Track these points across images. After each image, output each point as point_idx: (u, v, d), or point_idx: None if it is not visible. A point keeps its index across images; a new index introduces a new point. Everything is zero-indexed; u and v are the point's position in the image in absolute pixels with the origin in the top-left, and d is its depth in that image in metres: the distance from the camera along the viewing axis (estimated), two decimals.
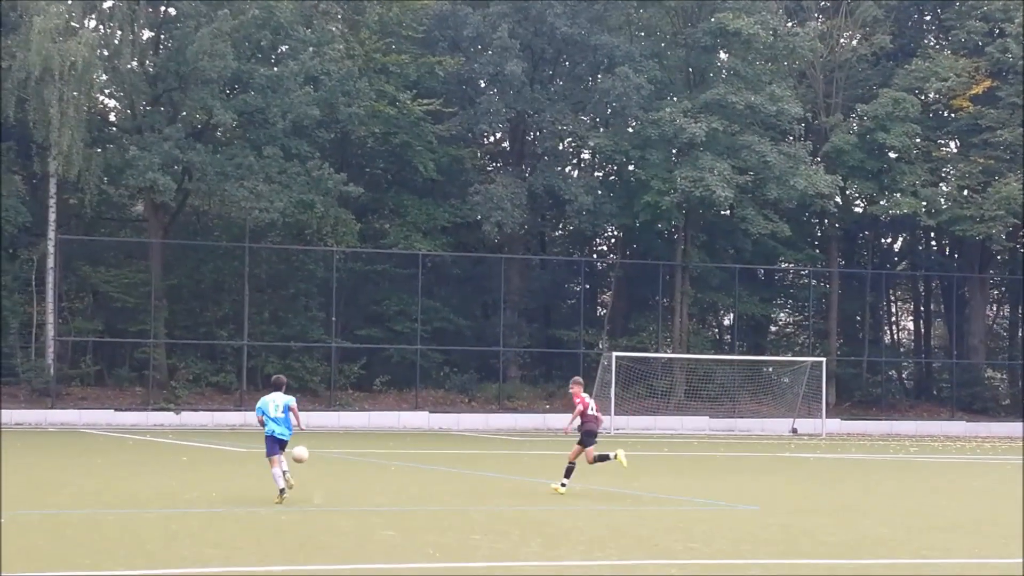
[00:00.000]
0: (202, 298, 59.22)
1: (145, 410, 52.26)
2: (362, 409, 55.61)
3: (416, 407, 56.19)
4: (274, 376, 24.45)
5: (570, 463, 24.81)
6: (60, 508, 20.65)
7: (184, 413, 52.39)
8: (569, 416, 25.44)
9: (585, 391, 25.08)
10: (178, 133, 53.81)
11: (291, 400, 23.17)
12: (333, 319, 57.49)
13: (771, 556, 16.35)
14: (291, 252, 59.08)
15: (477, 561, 15.12)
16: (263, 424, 22.81)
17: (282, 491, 21.85)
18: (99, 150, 55.36)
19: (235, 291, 57.60)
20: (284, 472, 22.21)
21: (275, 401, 22.88)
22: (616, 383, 54.00)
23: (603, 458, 24.75)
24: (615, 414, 53.33)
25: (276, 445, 22.46)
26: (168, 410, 52.48)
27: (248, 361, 55.97)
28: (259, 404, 23.19)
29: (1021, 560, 16.32)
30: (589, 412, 24.69)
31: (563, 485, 24.58)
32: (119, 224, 62.37)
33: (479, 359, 61.59)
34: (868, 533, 19.24)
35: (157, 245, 56.24)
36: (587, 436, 24.63)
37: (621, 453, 24.71)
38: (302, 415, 23.66)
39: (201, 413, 52.75)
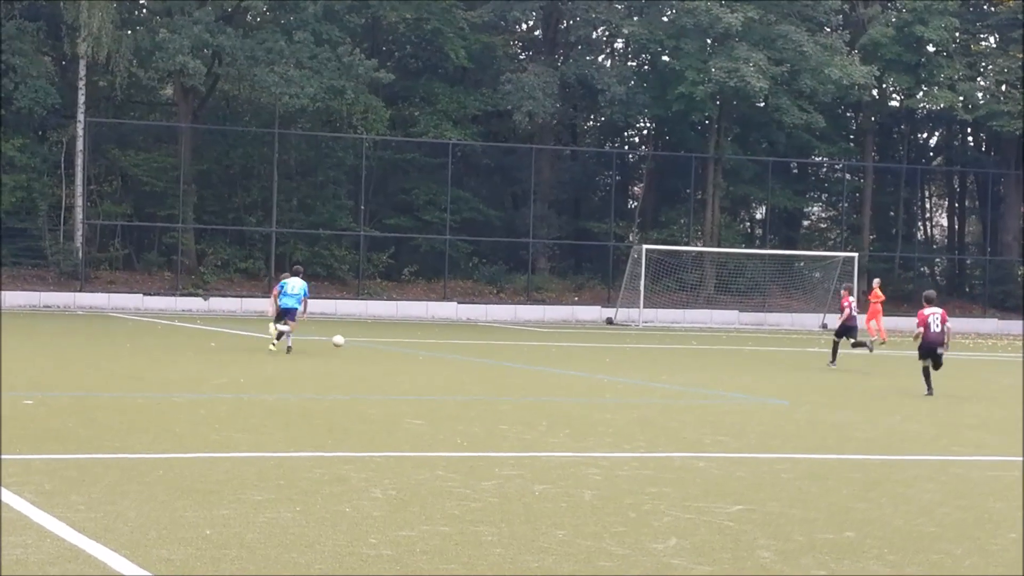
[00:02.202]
0: (231, 184, 59.14)
1: (173, 295, 52.41)
2: (390, 298, 55.65)
3: (444, 297, 56.20)
4: (295, 265, 32.48)
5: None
6: (89, 391, 20.69)
7: (212, 299, 52.52)
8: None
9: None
10: (208, 16, 53.42)
11: (306, 287, 30.03)
12: (362, 207, 57.38)
13: (799, 451, 16.27)
14: (320, 139, 58.83)
15: (504, 451, 15.08)
16: (277, 297, 29.59)
17: (278, 336, 29.27)
18: (129, 32, 54.98)
19: (264, 177, 57.47)
20: (285, 333, 29.24)
21: (294, 284, 29.65)
22: (646, 276, 53.84)
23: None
24: (644, 307, 53.27)
25: (287, 314, 29.48)
26: (196, 295, 52.61)
27: (276, 248, 55.98)
28: (281, 280, 30.16)
29: None
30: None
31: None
32: (148, 108, 62.17)
33: (508, 250, 61.48)
34: (897, 429, 19.14)
35: (186, 129, 56.07)
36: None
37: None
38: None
39: (229, 299, 52.87)
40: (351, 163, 58.59)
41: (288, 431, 16.11)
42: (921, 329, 25.42)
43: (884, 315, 43.74)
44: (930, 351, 25.28)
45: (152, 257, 55.80)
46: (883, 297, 43.45)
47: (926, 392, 24.99)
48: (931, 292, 27.12)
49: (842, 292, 33.71)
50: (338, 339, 29.74)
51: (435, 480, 12.74)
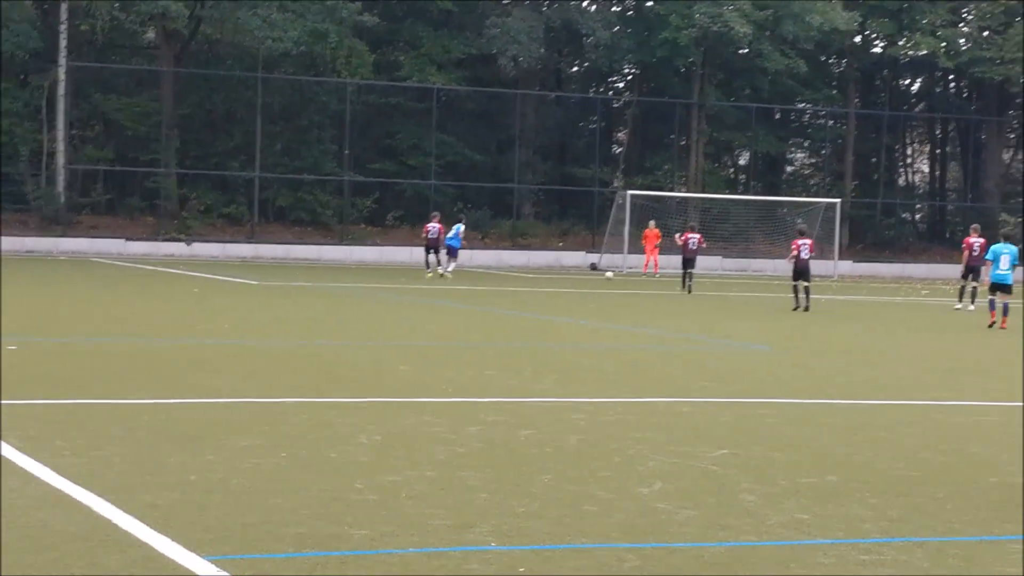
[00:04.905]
0: (214, 128, 58.91)
1: (156, 240, 52.32)
2: (375, 244, 55.58)
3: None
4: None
5: None
6: (72, 336, 20.67)
7: (195, 244, 52.42)
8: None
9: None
10: None
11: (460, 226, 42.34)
12: (346, 152, 57.25)
13: (783, 396, 16.35)
14: (304, 83, 58.59)
15: (490, 396, 15.12)
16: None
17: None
18: None
19: (247, 122, 57.26)
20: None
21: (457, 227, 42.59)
22: (631, 222, 53.84)
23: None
24: (629, 252, 53.30)
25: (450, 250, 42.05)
26: (179, 240, 52.50)
27: (260, 193, 55.86)
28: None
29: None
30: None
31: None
32: (130, 52, 61.85)
33: (493, 195, 61.42)
34: (880, 375, 19.23)
35: (169, 73, 55.80)
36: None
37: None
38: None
39: (212, 244, 52.81)
40: (335, 108, 58.37)
41: (273, 377, 16.13)
42: (795, 254, 31.85)
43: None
44: (801, 273, 31.76)
45: (134, 202, 55.65)
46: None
47: (794, 308, 31.38)
48: (803, 226, 34.66)
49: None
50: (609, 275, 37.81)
51: (421, 426, 12.78)
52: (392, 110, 61.01)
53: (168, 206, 54.66)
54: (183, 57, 57.99)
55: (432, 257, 42.39)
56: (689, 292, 38.87)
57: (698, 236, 41.08)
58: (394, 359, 18.52)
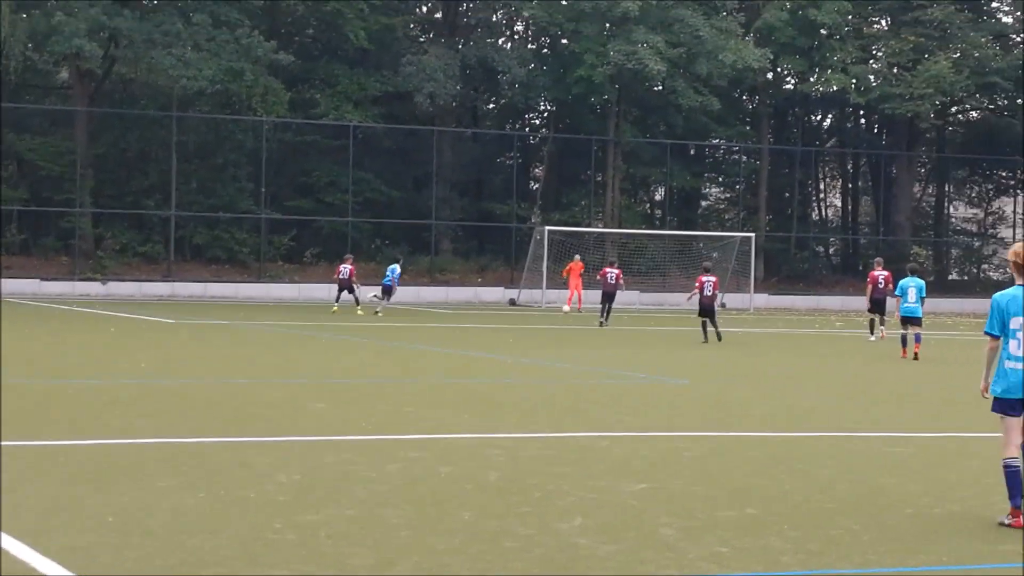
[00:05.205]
0: (129, 167, 58.53)
1: (71, 280, 51.80)
2: (292, 281, 55.38)
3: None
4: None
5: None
6: None
7: (111, 283, 51.96)
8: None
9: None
10: None
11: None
12: (262, 190, 57.03)
13: (701, 429, 16.46)
14: (220, 121, 58.35)
15: (410, 433, 15.12)
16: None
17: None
18: (24, 16, 54.12)
19: (162, 160, 56.92)
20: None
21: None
22: (548, 257, 54.04)
23: None
24: (547, 287, 53.49)
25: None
26: (95, 280, 52.02)
27: (176, 231, 55.49)
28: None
29: (944, 434, 16.55)
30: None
31: None
32: (44, 91, 61.34)
33: (411, 232, 61.42)
34: (796, 405, 19.42)
35: (83, 113, 55.37)
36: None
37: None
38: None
39: (128, 284, 52.37)
40: (251, 145, 58.18)
41: (191, 416, 16.03)
42: (697, 292, 32.98)
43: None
44: (706, 311, 32.70)
45: (49, 242, 55.10)
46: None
47: (703, 341, 32.18)
48: (708, 263, 35.52)
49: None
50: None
51: (340, 464, 12.75)
52: (308, 148, 60.90)
53: (83, 246, 54.16)
54: (97, 96, 57.60)
55: (346, 295, 42.74)
56: (600, 325, 39.26)
57: (617, 271, 41.26)
58: (313, 397, 18.47)
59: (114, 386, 19.37)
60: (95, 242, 54.92)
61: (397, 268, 43.45)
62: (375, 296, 42.68)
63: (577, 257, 50.28)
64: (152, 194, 57.16)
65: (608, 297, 40.44)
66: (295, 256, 58.32)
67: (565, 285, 50.65)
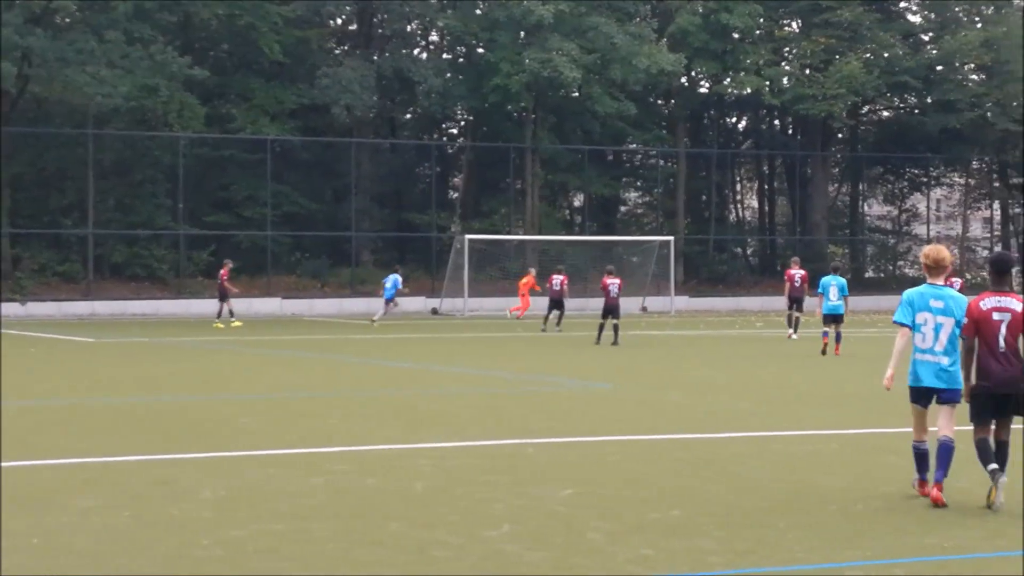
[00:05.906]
0: (45, 187, 57.86)
1: None
2: (212, 296, 54.90)
3: (268, 293, 55.73)
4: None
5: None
6: None
7: (30, 304, 51.38)
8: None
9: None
10: (16, 18, 52.13)
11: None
12: (180, 206, 56.64)
13: (627, 432, 16.54)
14: (136, 138, 57.90)
15: (335, 446, 15.09)
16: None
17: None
18: None
19: (79, 179, 56.36)
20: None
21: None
22: (469, 266, 54.07)
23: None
24: (469, 296, 53.52)
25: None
26: (13, 301, 51.41)
27: (94, 250, 54.97)
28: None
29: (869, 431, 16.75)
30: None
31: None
32: None
33: (331, 244, 61.23)
34: (721, 407, 19.55)
35: None
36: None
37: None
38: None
39: (48, 303, 51.80)
40: (168, 161, 57.77)
41: (115, 435, 15.90)
42: (604, 293, 33.47)
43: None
44: (610, 311, 33.52)
45: None
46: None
47: (596, 342, 33.39)
48: (611, 267, 35.67)
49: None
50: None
51: (266, 479, 12.71)
52: (226, 162, 60.56)
53: (1, 266, 53.52)
54: (11, 116, 56.92)
55: (224, 306, 44.37)
56: (543, 331, 40.06)
57: (562, 278, 41.80)
58: (236, 412, 18.37)
59: (36, 407, 19.16)
60: (13, 262, 54.28)
61: (399, 279, 45.42)
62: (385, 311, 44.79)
63: (532, 271, 50.91)
64: (70, 213, 56.60)
65: (555, 304, 40.86)
66: (214, 271, 57.83)
67: (515, 294, 51.43)
